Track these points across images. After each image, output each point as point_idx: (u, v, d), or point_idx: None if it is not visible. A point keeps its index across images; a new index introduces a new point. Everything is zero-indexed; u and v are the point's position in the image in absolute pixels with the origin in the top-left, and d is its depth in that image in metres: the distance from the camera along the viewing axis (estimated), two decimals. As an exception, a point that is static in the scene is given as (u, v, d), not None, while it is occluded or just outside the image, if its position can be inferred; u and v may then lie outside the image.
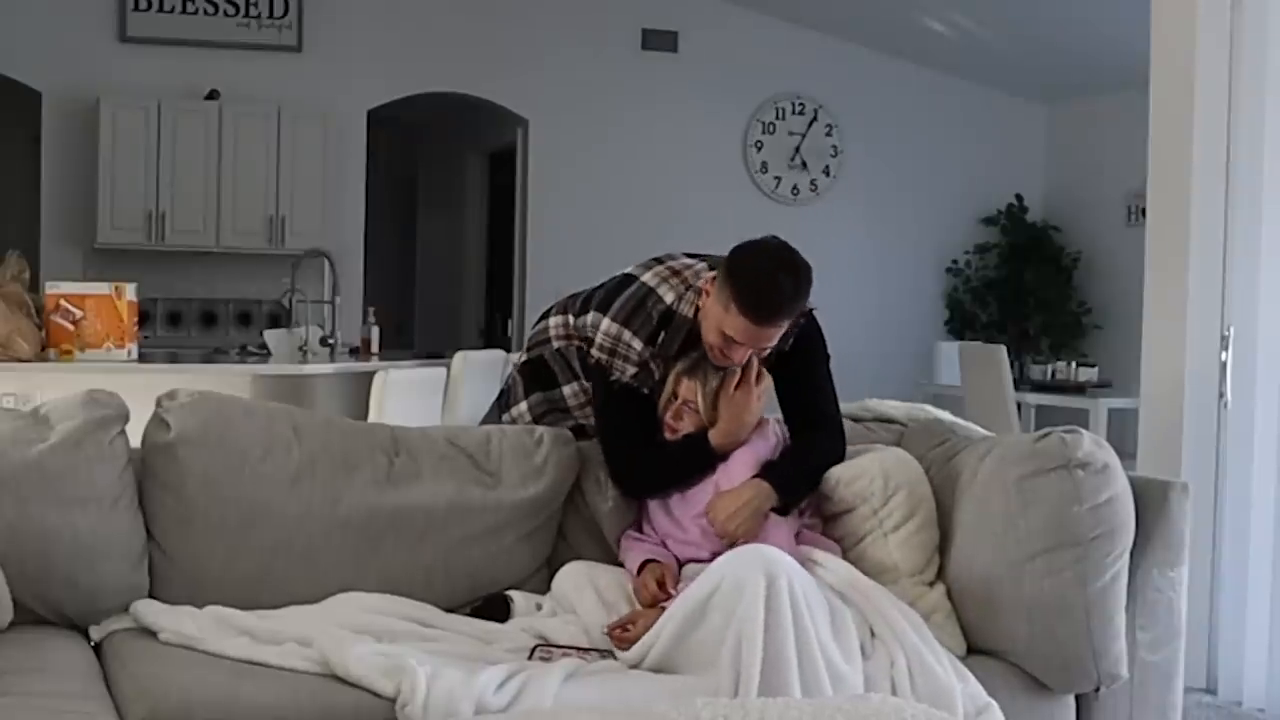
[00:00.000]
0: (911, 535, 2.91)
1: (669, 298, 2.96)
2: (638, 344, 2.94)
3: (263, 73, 8.51)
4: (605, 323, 2.96)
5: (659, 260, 3.05)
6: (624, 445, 3.03)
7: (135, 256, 8.11)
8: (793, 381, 3.05)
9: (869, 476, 2.96)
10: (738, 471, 2.92)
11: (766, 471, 2.91)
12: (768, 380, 2.99)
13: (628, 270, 3.06)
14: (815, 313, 3.04)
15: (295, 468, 2.92)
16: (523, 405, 3.23)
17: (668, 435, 2.98)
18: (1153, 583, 2.89)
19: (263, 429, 2.95)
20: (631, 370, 2.96)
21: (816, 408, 3.05)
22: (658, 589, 2.81)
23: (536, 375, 3.20)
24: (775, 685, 2.37)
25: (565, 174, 9.05)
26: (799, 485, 2.96)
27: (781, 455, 2.98)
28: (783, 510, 2.91)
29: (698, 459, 2.96)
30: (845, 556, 2.94)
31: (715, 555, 2.83)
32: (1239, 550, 4.13)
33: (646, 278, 2.99)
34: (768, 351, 2.94)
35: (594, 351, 2.99)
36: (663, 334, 2.94)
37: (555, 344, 3.13)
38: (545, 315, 3.20)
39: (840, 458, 3.03)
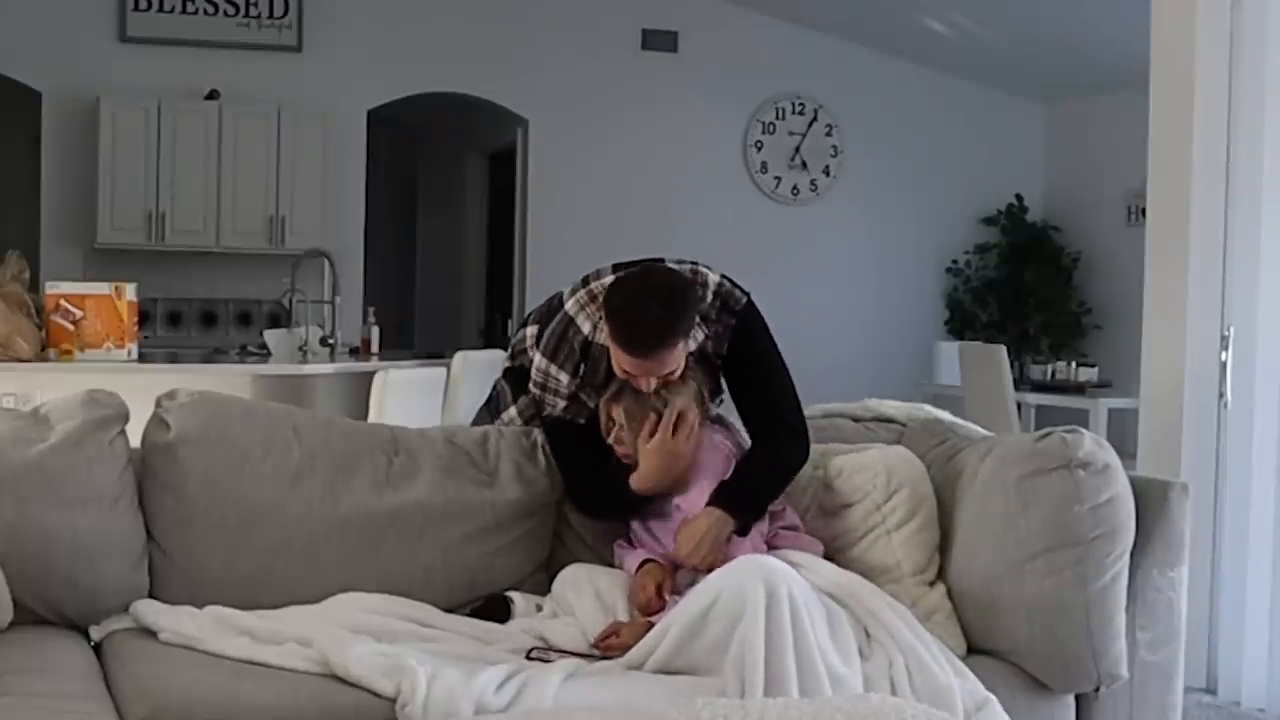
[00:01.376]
0: (914, 534, 2.91)
1: (585, 328, 2.94)
2: (564, 377, 2.95)
3: (263, 73, 8.50)
4: (537, 357, 2.99)
5: (585, 281, 3.01)
6: (569, 476, 3.05)
7: (135, 256, 8.10)
8: (740, 384, 3.00)
9: (871, 472, 2.97)
10: (696, 493, 2.89)
11: (719, 496, 2.85)
12: (691, 423, 2.89)
13: (563, 290, 3.05)
14: (753, 301, 2.98)
15: (295, 468, 2.92)
16: (512, 410, 3.23)
17: (622, 459, 2.96)
18: (1153, 583, 2.89)
19: (262, 429, 2.95)
20: (562, 404, 2.98)
21: (770, 407, 2.98)
22: (655, 594, 2.81)
23: (521, 381, 3.19)
24: (777, 693, 2.37)
25: (565, 174, 9.05)
26: (754, 503, 2.89)
27: (735, 471, 2.92)
28: (742, 530, 2.85)
29: (627, 500, 2.95)
30: (847, 554, 2.94)
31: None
32: (1239, 550, 4.13)
33: (569, 305, 2.97)
34: (677, 373, 2.86)
35: (531, 387, 3.03)
36: (584, 362, 2.94)
37: (531, 354, 3.12)
38: (524, 323, 3.21)
39: (802, 459, 2.99)
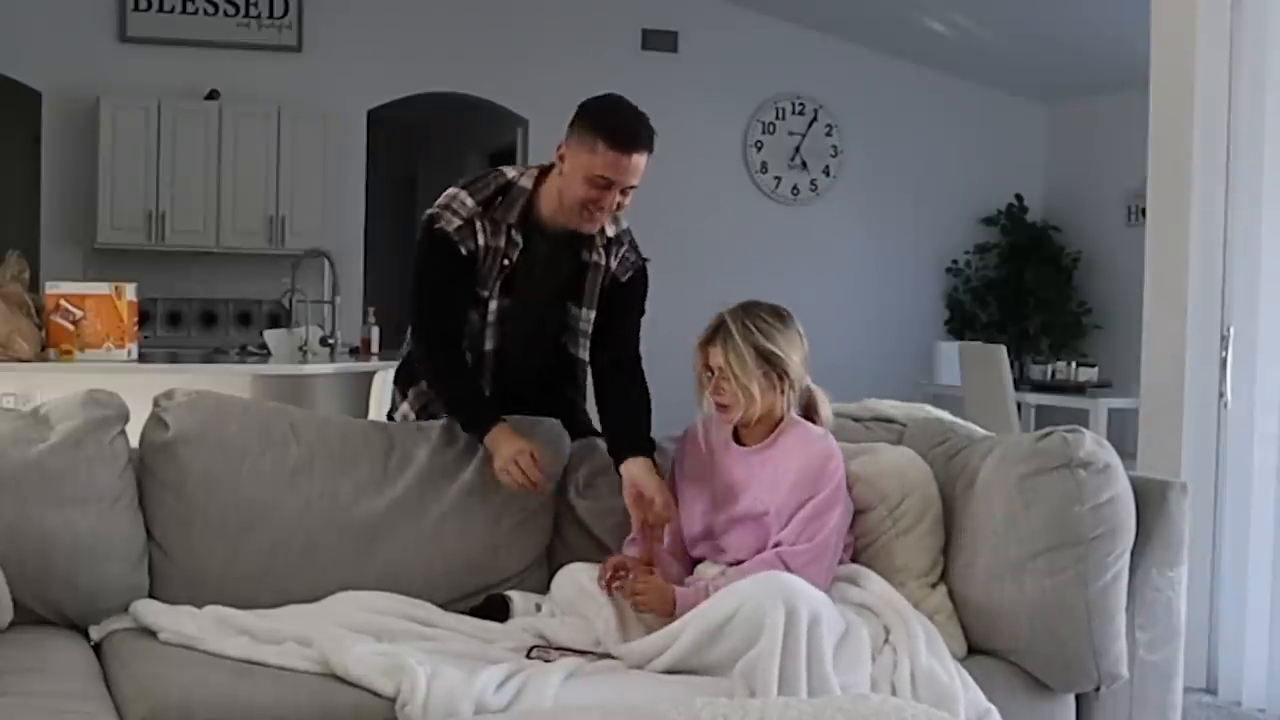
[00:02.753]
0: (922, 537, 2.92)
1: (510, 173, 3.12)
2: (470, 201, 3.05)
3: (263, 73, 8.50)
4: (449, 190, 3.10)
5: None
6: (427, 291, 3.10)
7: (135, 256, 8.10)
8: (619, 315, 3.15)
9: (887, 476, 2.96)
10: (784, 496, 2.84)
11: (645, 450, 2.95)
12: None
13: None
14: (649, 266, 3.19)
15: (293, 466, 2.93)
16: (404, 406, 3.29)
17: (719, 414, 2.90)
18: (1152, 582, 2.89)
19: (260, 428, 2.96)
20: (458, 223, 3.04)
21: (632, 345, 3.17)
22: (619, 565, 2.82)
23: (413, 377, 3.28)
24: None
25: (565, 174, 9.03)
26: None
27: (636, 420, 3.03)
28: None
29: (471, 419, 3.01)
30: (859, 558, 2.94)
31: (732, 563, 2.84)
32: (1239, 550, 4.13)
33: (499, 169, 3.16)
34: (625, 202, 2.98)
35: (430, 211, 3.09)
36: (500, 199, 3.05)
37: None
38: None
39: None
